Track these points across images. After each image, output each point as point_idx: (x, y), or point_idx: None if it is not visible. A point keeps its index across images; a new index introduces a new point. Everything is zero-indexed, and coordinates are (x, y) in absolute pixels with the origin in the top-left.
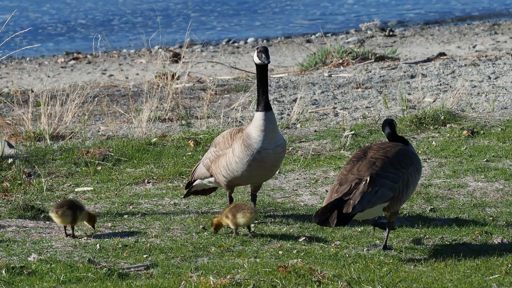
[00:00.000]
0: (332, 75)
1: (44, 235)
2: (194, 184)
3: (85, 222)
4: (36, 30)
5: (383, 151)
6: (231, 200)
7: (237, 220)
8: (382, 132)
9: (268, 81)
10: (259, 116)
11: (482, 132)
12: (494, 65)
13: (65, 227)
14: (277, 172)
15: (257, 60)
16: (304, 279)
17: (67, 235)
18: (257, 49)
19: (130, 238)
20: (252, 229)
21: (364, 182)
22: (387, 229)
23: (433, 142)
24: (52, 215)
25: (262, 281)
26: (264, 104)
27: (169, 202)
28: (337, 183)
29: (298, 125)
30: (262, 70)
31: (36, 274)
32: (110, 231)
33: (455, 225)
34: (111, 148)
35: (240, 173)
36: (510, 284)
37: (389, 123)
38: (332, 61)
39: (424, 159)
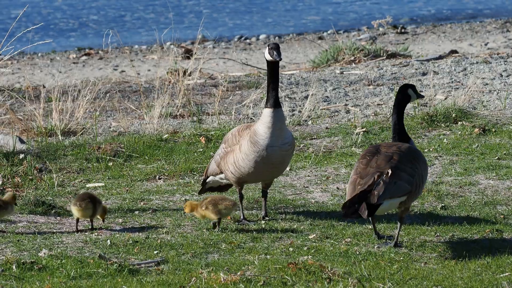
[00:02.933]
0: (344, 72)
1: (55, 230)
2: (207, 180)
3: (98, 216)
4: (48, 25)
5: (396, 147)
6: (241, 196)
7: (220, 210)
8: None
9: (280, 77)
10: (267, 113)
11: (493, 130)
12: (506, 63)
13: (77, 222)
14: (288, 169)
15: (268, 57)
16: (315, 276)
17: (78, 230)
18: (268, 45)
19: (140, 234)
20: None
21: (385, 175)
22: (398, 226)
23: (445, 139)
24: (75, 208)
25: (273, 277)
26: (273, 101)
27: (180, 198)
28: (357, 176)
29: (310, 122)
30: (273, 67)
31: (46, 269)
32: (121, 227)
33: (466, 223)
34: (123, 144)
35: (247, 170)
36: None
37: (410, 86)
38: (344, 58)
39: (436, 156)
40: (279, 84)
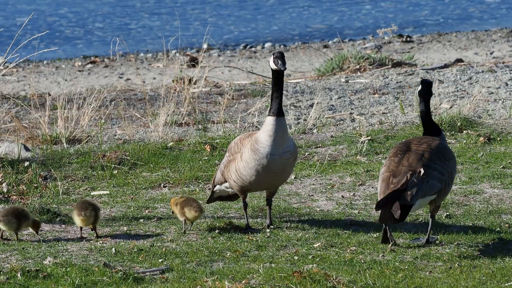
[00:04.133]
0: (349, 81)
1: (59, 238)
2: (215, 190)
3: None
4: (53, 33)
5: (426, 145)
6: (245, 205)
7: (185, 213)
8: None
9: (285, 86)
10: (269, 121)
11: (498, 138)
12: (511, 72)
13: (81, 229)
14: (292, 177)
15: (273, 66)
16: (320, 284)
17: (82, 238)
18: (273, 54)
19: (145, 242)
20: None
21: (417, 173)
22: (430, 223)
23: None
24: (80, 218)
25: (277, 286)
26: (276, 109)
27: None
28: (389, 174)
29: (315, 131)
30: (277, 76)
31: (51, 277)
32: (126, 235)
33: (471, 232)
34: (128, 152)
35: (249, 178)
36: None
37: (427, 84)
38: (349, 67)
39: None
40: (284, 92)
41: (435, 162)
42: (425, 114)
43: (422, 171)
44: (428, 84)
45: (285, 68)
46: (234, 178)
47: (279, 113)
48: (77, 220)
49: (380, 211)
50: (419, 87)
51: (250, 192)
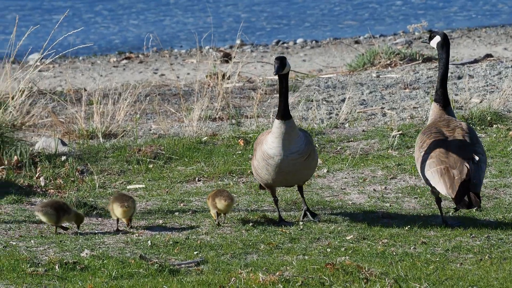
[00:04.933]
0: (380, 76)
1: (96, 231)
2: (256, 180)
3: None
4: (89, 30)
5: (460, 129)
6: (275, 200)
7: (216, 204)
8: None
9: (317, 81)
10: (275, 124)
11: None
12: None
13: (117, 221)
14: (324, 171)
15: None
16: (352, 276)
17: (118, 230)
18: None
19: (180, 235)
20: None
21: (472, 161)
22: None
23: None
24: (122, 209)
25: (311, 278)
26: (281, 113)
27: None
28: (446, 166)
29: (347, 125)
30: (281, 80)
31: (88, 269)
32: (161, 228)
33: (501, 224)
34: (163, 146)
35: (264, 175)
36: None
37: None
38: (380, 62)
39: None
40: (316, 87)
41: (475, 145)
42: (445, 73)
43: (476, 157)
44: (445, 35)
45: (275, 74)
46: (255, 174)
47: (284, 116)
48: (119, 211)
49: (459, 204)
50: (437, 39)
51: (274, 187)
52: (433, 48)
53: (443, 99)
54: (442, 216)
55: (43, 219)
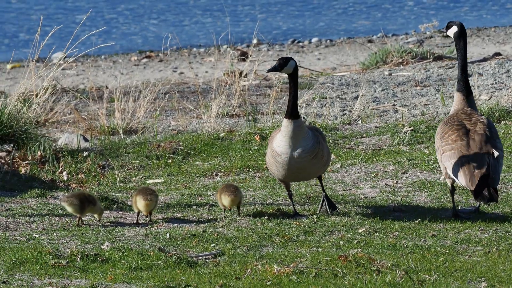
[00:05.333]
0: (392, 74)
1: (117, 224)
2: None
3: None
4: (110, 29)
5: (481, 123)
6: (289, 194)
7: (222, 200)
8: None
9: (331, 79)
10: (283, 123)
11: None
12: None
13: (138, 214)
14: (337, 166)
15: None
16: (364, 268)
17: (138, 223)
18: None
19: (198, 228)
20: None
21: (492, 156)
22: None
23: None
24: (145, 202)
25: (324, 269)
26: (289, 112)
27: None
28: (467, 160)
29: (360, 121)
30: (289, 79)
31: (109, 261)
32: (180, 221)
33: (509, 217)
34: (181, 142)
35: (275, 172)
36: None
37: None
38: (392, 60)
39: None
40: (330, 85)
41: (496, 140)
42: (465, 62)
43: (496, 153)
44: (462, 25)
45: (268, 71)
46: (269, 169)
47: (291, 116)
48: (142, 204)
49: (478, 197)
50: (454, 29)
51: (288, 182)
52: (450, 39)
53: (465, 89)
54: (454, 206)
55: (70, 209)
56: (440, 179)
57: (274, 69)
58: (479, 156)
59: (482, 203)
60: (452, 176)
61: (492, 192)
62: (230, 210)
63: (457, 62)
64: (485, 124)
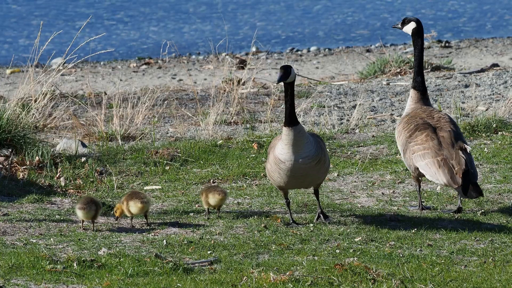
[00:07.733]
0: (390, 83)
1: (113, 230)
2: None
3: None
4: (110, 36)
5: (444, 120)
6: (287, 202)
7: (209, 200)
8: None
9: (329, 88)
10: (284, 131)
11: None
12: None
13: (131, 218)
14: (334, 175)
15: None
16: (360, 277)
17: (133, 227)
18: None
19: (195, 234)
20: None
21: (465, 151)
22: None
23: (485, 148)
24: (139, 205)
25: (320, 278)
26: (287, 120)
27: (233, 201)
28: (442, 158)
29: (357, 130)
30: (285, 87)
31: (105, 267)
32: (176, 228)
33: (505, 228)
34: (179, 149)
35: (276, 179)
36: None
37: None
38: (390, 70)
39: (476, 164)
40: (328, 93)
41: (461, 134)
42: (421, 59)
43: (469, 148)
44: (420, 22)
45: (278, 82)
46: (268, 177)
47: (290, 123)
48: (136, 207)
49: (467, 193)
50: (412, 25)
51: (287, 190)
52: (448, 50)
53: (422, 86)
54: (420, 200)
55: (83, 216)
56: (437, 189)
57: (282, 78)
58: (453, 153)
59: (466, 199)
60: (429, 176)
61: (477, 189)
62: (214, 209)
63: (413, 60)
64: (448, 120)
